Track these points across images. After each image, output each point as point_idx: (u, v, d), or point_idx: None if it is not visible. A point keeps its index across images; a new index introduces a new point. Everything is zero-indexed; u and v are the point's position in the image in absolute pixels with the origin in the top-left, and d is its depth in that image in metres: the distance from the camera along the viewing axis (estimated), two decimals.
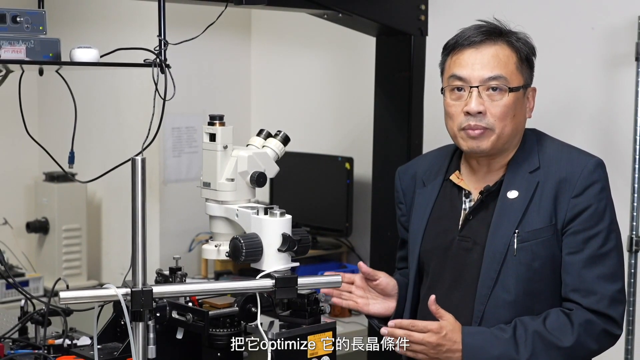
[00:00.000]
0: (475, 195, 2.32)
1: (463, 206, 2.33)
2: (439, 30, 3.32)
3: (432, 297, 2.19)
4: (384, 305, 2.42)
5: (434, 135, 3.26)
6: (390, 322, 2.18)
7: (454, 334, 2.17)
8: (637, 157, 3.13)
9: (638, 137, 3.13)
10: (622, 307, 2.22)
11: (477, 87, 2.23)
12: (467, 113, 2.23)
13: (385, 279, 2.41)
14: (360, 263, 2.42)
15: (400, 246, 2.57)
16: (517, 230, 2.22)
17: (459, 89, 2.26)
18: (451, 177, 2.36)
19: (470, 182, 2.34)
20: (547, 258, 2.22)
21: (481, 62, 2.24)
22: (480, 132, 2.23)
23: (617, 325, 2.22)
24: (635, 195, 3.15)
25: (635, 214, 3.15)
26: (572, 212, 2.21)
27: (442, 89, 2.32)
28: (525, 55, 2.29)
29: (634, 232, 3.15)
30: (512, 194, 2.25)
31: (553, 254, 2.22)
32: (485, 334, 2.18)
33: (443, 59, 2.33)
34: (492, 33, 2.27)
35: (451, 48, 2.30)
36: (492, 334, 2.18)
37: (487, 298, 2.22)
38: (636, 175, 3.14)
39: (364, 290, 2.42)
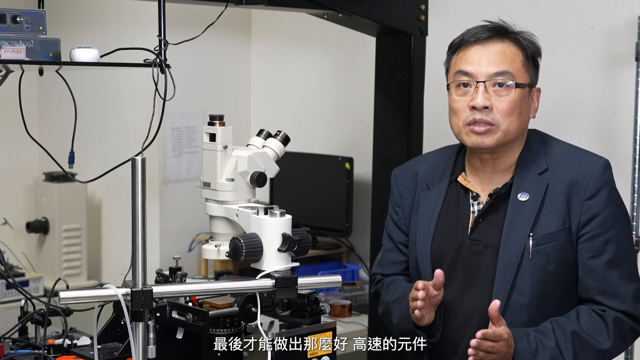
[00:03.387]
0: (483, 198, 2.31)
1: (471, 209, 2.31)
2: (439, 30, 3.32)
3: (497, 302, 2.10)
4: (430, 315, 2.26)
5: (434, 135, 3.25)
6: (478, 334, 2.08)
7: (511, 339, 2.13)
8: (637, 157, 3.13)
9: (638, 137, 3.12)
10: None
11: (484, 82, 2.22)
12: (473, 108, 2.22)
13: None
14: (439, 270, 2.20)
15: (392, 250, 2.47)
16: (531, 234, 2.21)
17: (465, 84, 2.25)
18: (459, 179, 2.34)
19: (477, 184, 2.33)
20: (560, 261, 2.22)
21: (488, 58, 2.24)
22: (485, 129, 2.22)
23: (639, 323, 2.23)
24: (635, 195, 3.14)
25: (635, 214, 3.15)
26: (587, 214, 2.21)
27: (447, 86, 2.31)
28: (531, 54, 2.29)
29: (634, 232, 3.15)
30: (523, 197, 2.24)
31: (566, 257, 2.22)
32: (530, 336, 2.15)
33: (448, 57, 2.33)
34: (498, 31, 2.28)
35: (457, 46, 2.29)
36: (536, 338, 2.15)
37: (504, 301, 2.19)
38: (636, 175, 3.14)
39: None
